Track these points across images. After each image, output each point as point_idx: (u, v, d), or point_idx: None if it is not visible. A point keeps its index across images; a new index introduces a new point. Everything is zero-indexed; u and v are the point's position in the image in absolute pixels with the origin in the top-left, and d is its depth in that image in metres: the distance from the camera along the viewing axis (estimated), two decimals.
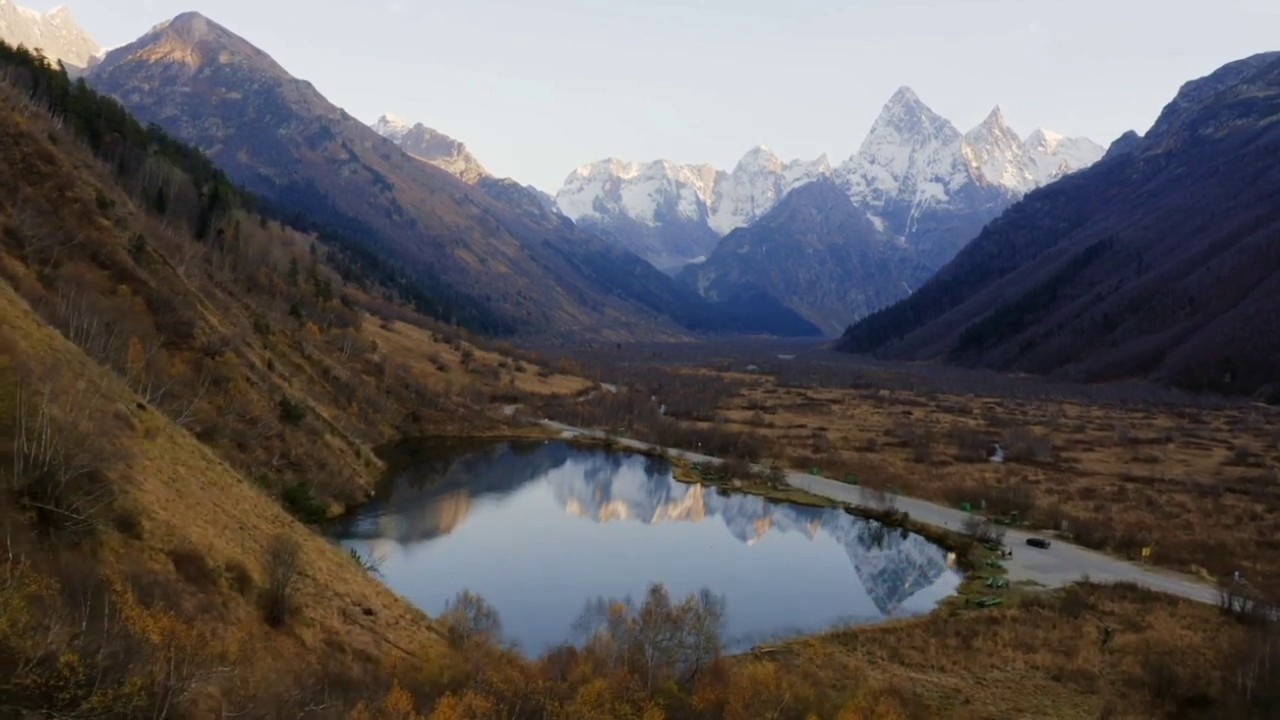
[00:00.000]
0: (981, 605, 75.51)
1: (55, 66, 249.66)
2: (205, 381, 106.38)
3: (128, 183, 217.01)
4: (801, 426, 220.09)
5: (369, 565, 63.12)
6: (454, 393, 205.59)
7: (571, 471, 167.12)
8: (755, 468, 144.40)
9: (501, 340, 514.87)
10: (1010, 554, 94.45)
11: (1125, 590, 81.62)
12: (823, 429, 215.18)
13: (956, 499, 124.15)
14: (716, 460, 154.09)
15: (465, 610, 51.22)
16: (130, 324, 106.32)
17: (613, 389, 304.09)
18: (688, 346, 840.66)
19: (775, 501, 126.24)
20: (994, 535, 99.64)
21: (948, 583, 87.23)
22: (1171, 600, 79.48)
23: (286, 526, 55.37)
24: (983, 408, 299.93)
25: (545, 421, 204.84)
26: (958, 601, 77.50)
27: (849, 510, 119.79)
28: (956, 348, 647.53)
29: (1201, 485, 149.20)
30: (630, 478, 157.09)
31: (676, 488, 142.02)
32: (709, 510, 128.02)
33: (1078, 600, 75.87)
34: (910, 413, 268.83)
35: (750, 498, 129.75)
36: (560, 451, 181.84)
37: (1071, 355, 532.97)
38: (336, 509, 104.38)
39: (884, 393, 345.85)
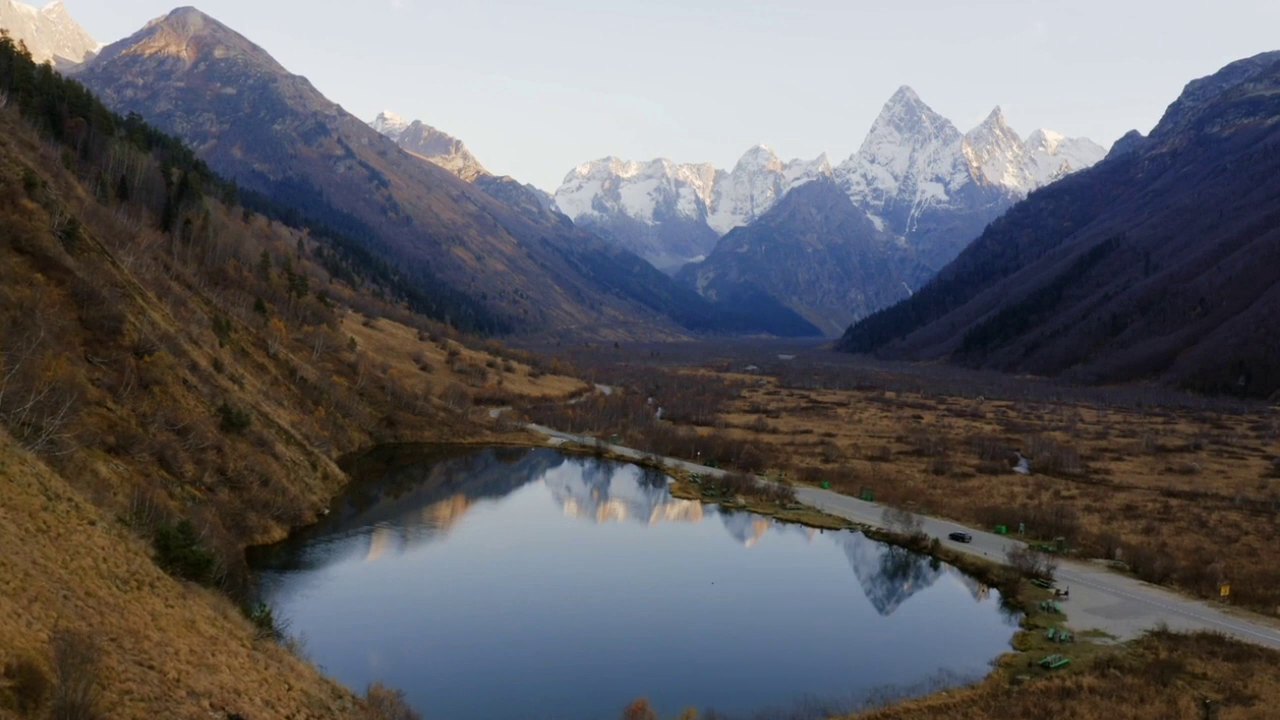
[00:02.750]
0: (1046, 667, 61.40)
1: (19, 48, 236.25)
2: (128, 385, 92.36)
3: (89, 168, 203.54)
4: (808, 432, 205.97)
5: (271, 631, 48.86)
6: (435, 395, 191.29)
7: (555, 485, 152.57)
8: (761, 481, 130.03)
9: (497, 339, 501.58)
10: (1066, 593, 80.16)
11: (1212, 643, 67.61)
12: (830, 435, 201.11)
13: (990, 520, 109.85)
14: (718, 472, 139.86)
15: (378, 711, 37.18)
16: (46, 318, 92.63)
17: (607, 391, 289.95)
18: (686, 346, 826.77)
19: (784, 522, 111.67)
20: (1044, 568, 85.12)
21: (998, 633, 72.85)
22: (1270, 657, 65.49)
23: (144, 588, 41.27)
24: (995, 411, 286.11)
25: (532, 426, 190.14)
26: (1017, 662, 63.17)
27: (869, 534, 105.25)
28: (960, 348, 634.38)
29: (1252, 502, 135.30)
30: (621, 493, 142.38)
31: (673, 505, 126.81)
32: (709, 534, 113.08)
33: (1164, 661, 61.72)
34: (920, 417, 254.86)
35: (756, 517, 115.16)
36: (546, 461, 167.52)
37: (1079, 357, 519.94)
38: (278, 533, 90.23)
39: (890, 395, 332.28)
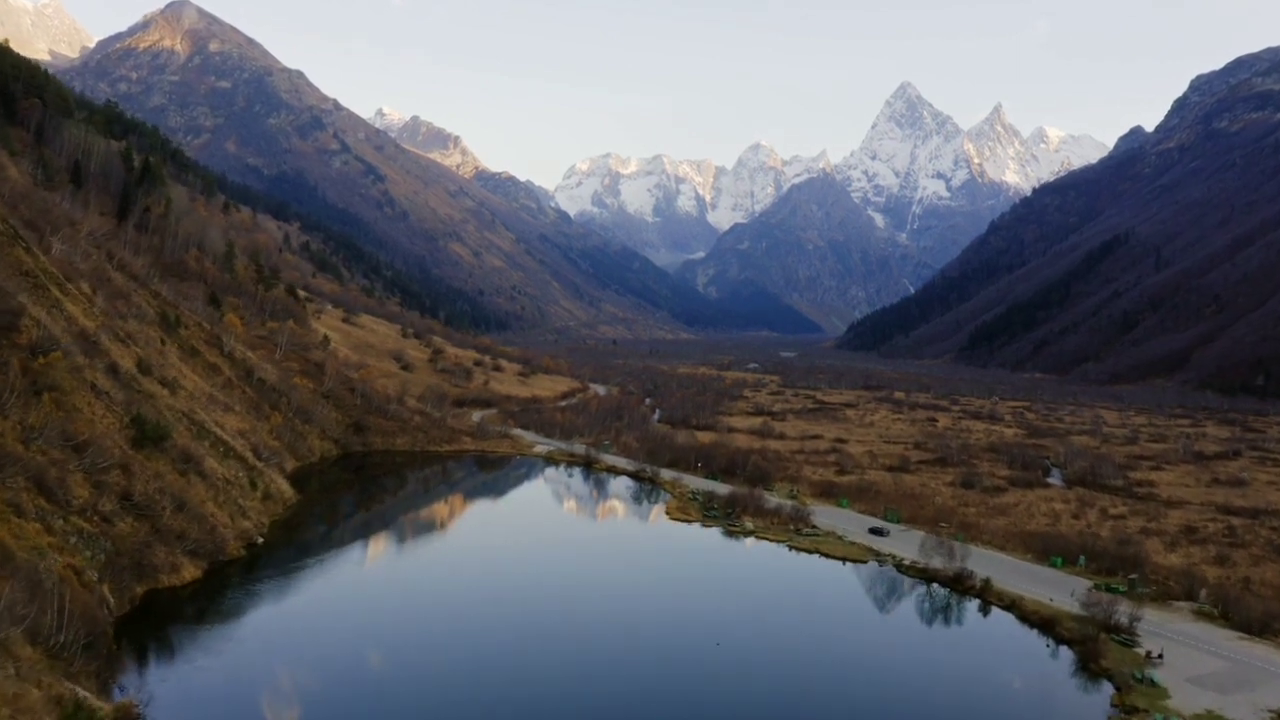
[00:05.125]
0: None
1: None
2: (15, 392, 76.67)
3: (40, 151, 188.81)
4: (817, 437, 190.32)
5: None
6: (412, 396, 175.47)
7: (534, 505, 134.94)
8: (771, 499, 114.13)
9: (494, 336, 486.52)
10: (1160, 657, 64.32)
11: None
12: (842, 441, 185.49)
13: (1040, 549, 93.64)
14: (721, 487, 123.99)
15: None
16: None
17: (602, 391, 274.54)
18: (686, 343, 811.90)
19: (799, 550, 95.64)
20: (1125, 619, 69.28)
21: (1087, 716, 57.04)
22: None
23: None
24: (1013, 413, 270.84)
25: (517, 432, 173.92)
26: None
27: (901, 569, 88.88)
28: (966, 346, 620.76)
29: None
30: (608, 515, 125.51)
31: (669, 530, 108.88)
32: (713, 570, 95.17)
33: None
34: (935, 420, 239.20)
35: (767, 544, 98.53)
36: (529, 473, 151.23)
37: (1090, 355, 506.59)
38: (190, 571, 74.33)
39: (899, 395, 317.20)
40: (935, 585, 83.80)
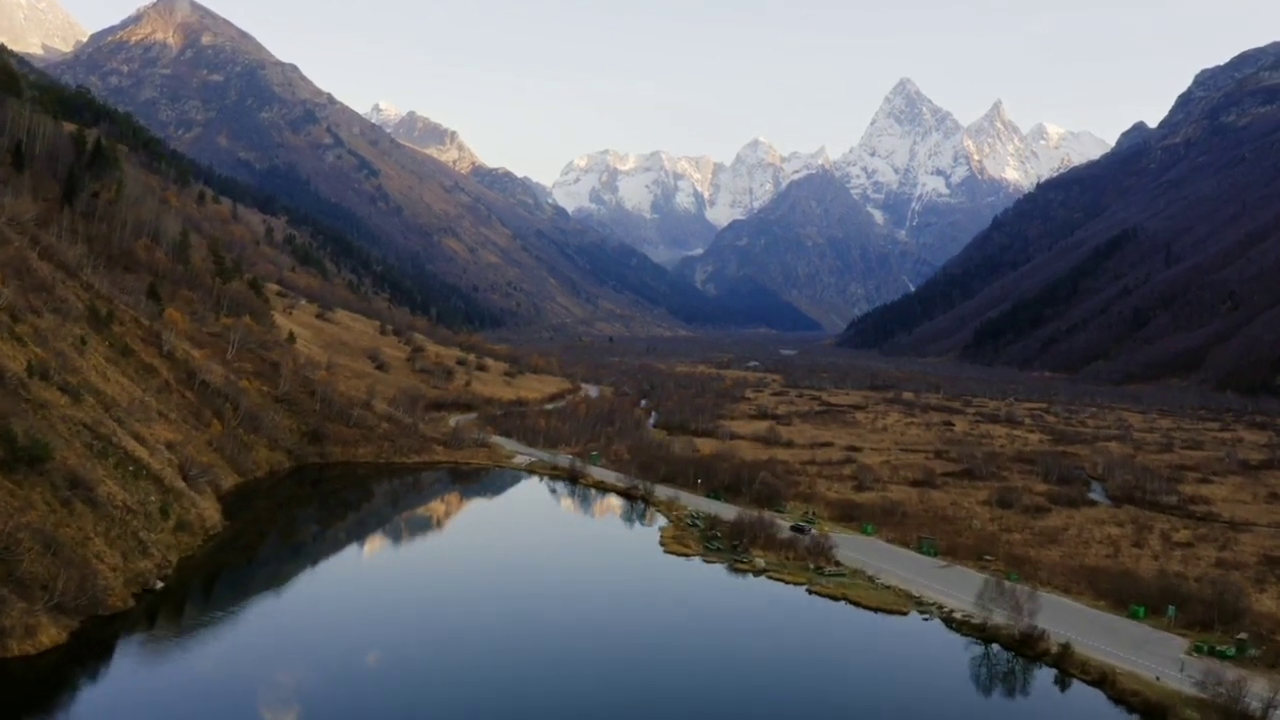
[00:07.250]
0: None
1: None
2: None
3: None
4: (828, 444, 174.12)
5: None
6: (382, 400, 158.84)
7: (503, 531, 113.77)
8: (784, 523, 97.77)
9: (486, 333, 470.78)
10: None
11: None
12: (855, 448, 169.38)
13: (1113, 592, 76.72)
14: (726, 508, 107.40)
15: None
16: None
17: (594, 392, 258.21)
18: (684, 340, 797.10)
19: (821, 595, 77.86)
20: (1257, 706, 52.95)
21: None
22: None
23: None
24: (1031, 416, 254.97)
25: (496, 440, 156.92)
26: None
27: (951, 624, 71.64)
28: (971, 344, 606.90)
29: None
30: (593, 545, 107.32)
31: (663, 566, 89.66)
32: (715, 623, 75.28)
33: None
34: (951, 424, 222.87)
35: (780, 587, 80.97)
36: (503, 489, 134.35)
37: (1100, 353, 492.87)
38: (50, 634, 57.58)
39: (908, 396, 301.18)
40: (994, 646, 67.01)
